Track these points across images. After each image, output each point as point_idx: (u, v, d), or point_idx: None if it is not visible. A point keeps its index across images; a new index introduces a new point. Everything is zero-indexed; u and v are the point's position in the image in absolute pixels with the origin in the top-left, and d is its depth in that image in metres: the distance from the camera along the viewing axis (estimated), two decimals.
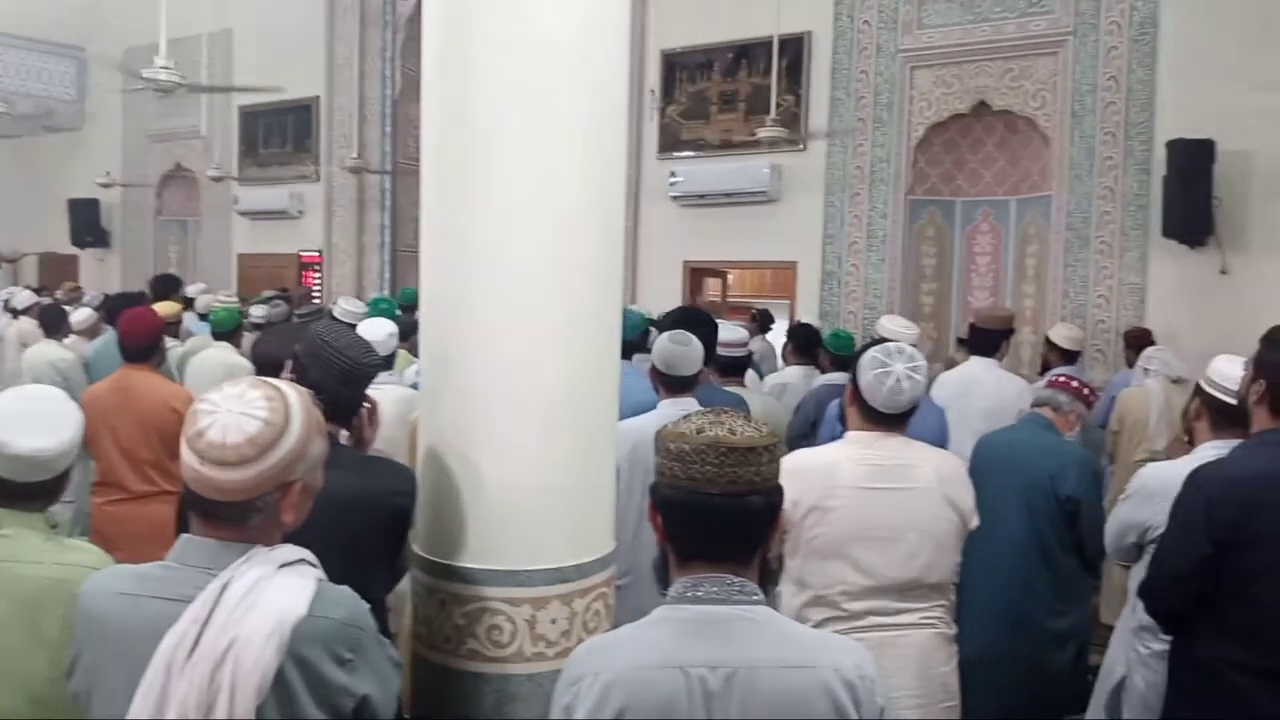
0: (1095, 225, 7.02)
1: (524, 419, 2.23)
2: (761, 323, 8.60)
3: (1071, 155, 7.09)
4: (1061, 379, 3.47)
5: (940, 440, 3.67)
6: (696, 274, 9.29)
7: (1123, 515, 2.79)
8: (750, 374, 4.92)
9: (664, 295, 8.60)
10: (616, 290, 2.44)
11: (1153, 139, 6.75)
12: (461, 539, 2.26)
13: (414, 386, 3.96)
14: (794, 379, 5.13)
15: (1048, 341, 5.79)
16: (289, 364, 2.24)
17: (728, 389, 3.94)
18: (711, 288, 10.06)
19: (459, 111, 2.26)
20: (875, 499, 2.33)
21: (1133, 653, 2.76)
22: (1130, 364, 6.07)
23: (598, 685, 1.38)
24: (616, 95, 2.40)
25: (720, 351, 4.11)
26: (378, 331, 3.90)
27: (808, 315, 7.79)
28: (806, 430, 4.24)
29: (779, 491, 1.47)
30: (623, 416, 2.86)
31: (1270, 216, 6.46)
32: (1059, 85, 7.13)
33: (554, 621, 2.26)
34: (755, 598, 1.43)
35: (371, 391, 2.32)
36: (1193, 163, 6.33)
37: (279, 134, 11.48)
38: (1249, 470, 2.26)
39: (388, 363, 4.00)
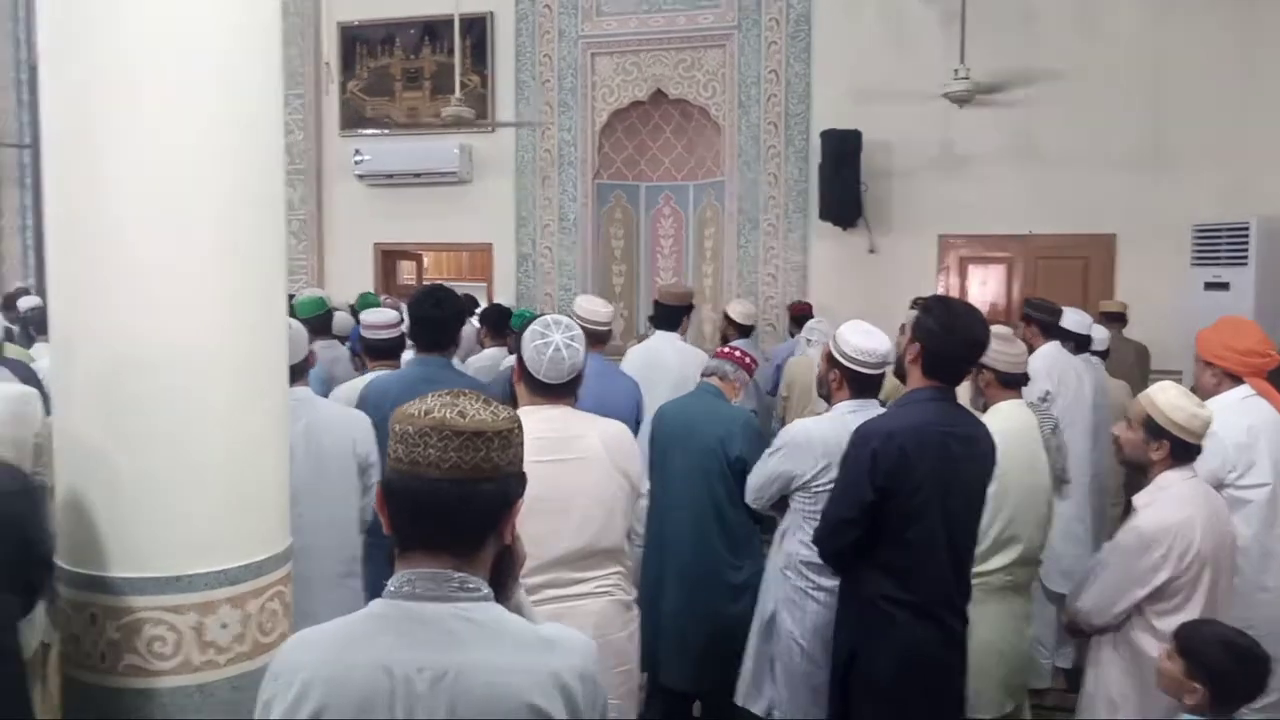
0: (763, 209, 7.58)
1: (172, 409, 2.07)
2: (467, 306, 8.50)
3: (740, 143, 7.60)
4: (725, 350, 3.72)
5: (634, 411, 3.82)
6: (389, 256, 9.03)
7: (770, 467, 3.04)
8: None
9: (354, 279, 8.31)
10: (277, 269, 2.32)
11: (809, 129, 7.38)
12: (109, 546, 2.06)
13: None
14: (489, 361, 5.14)
15: (725, 316, 6.19)
16: None
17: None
18: (406, 271, 9.83)
19: (79, 79, 2.06)
20: (545, 471, 2.36)
21: (783, 590, 3.01)
22: (793, 335, 6.65)
23: (297, 682, 1.30)
24: (269, 61, 2.27)
25: (365, 334, 4.02)
26: None
27: (504, 297, 7.82)
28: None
29: (517, 480, 1.41)
30: None
31: (909, 200, 7.28)
32: (727, 76, 7.61)
33: (224, 626, 2.12)
34: (478, 594, 1.35)
35: None
36: (843, 151, 6.99)
37: None
38: (905, 424, 2.56)
39: None
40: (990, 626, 3.12)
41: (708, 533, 3.33)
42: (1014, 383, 3.34)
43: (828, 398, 3.09)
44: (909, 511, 2.51)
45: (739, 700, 3.22)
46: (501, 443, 1.36)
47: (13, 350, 4.31)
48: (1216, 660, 2.17)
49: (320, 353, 4.71)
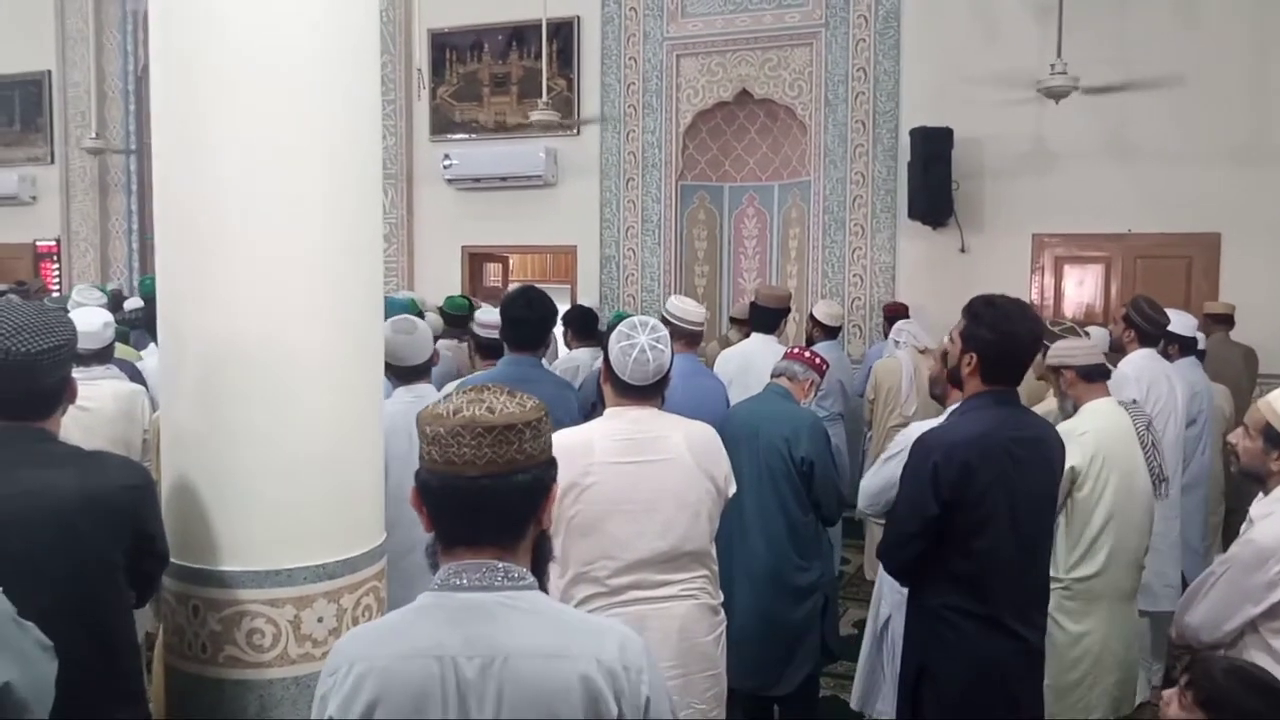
0: (849, 208, 7.47)
1: (275, 406, 2.12)
2: None
3: (826, 142, 7.50)
4: (795, 350, 3.67)
5: (723, 411, 3.79)
6: (476, 259, 9.16)
7: (885, 473, 2.94)
8: None
9: (443, 281, 8.45)
10: (374, 271, 2.37)
11: (898, 127, 7.25)
12: (212, 540, 2.12)
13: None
14: (583, 360, 5.16)
15: (811, 318, 6.11)
16: None
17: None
18: (493, 273, 9.96)
19: (188, 85, 2.12)
20: (630, 472, 2.38)
21: (896, 595, 2.97)
22: (887, 336, 6.53)
23: (352, 676, 1.33)
24: (368, 69, 2.32)
25: (478, 332, 4.12)
26: (91, 321, 3.61)
27: (588, 298, 7.87)
28: (588, 410, 4.28)
29: (550, 466, 1.42)
30: None
31: (1001, 198, 7.09)
32: (814, 75, 7.52)
33: (320, 620, 2.17)
34: (523, 582, 1.37)
35: (83, 385, 2.12)
36: (933, 149, 6.84)
37: (4, 112, 10.36)
38: (966, 434, 2.46)
39: (101, 355, 3.71)
40: (1090, 633, 3.06)
41: (775, 534, 3.30)
42: (1097, 375, 3.24)
43: (941, 398, 3.02)
44: (974, 522, 2.42)
45: (854, 704, 3.19)
46: (533, 433, 1.37)
47: (121, 350, 4.50)
48: (1251, 710, 1.74)
49: None
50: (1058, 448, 2.62)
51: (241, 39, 2.10)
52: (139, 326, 5.23)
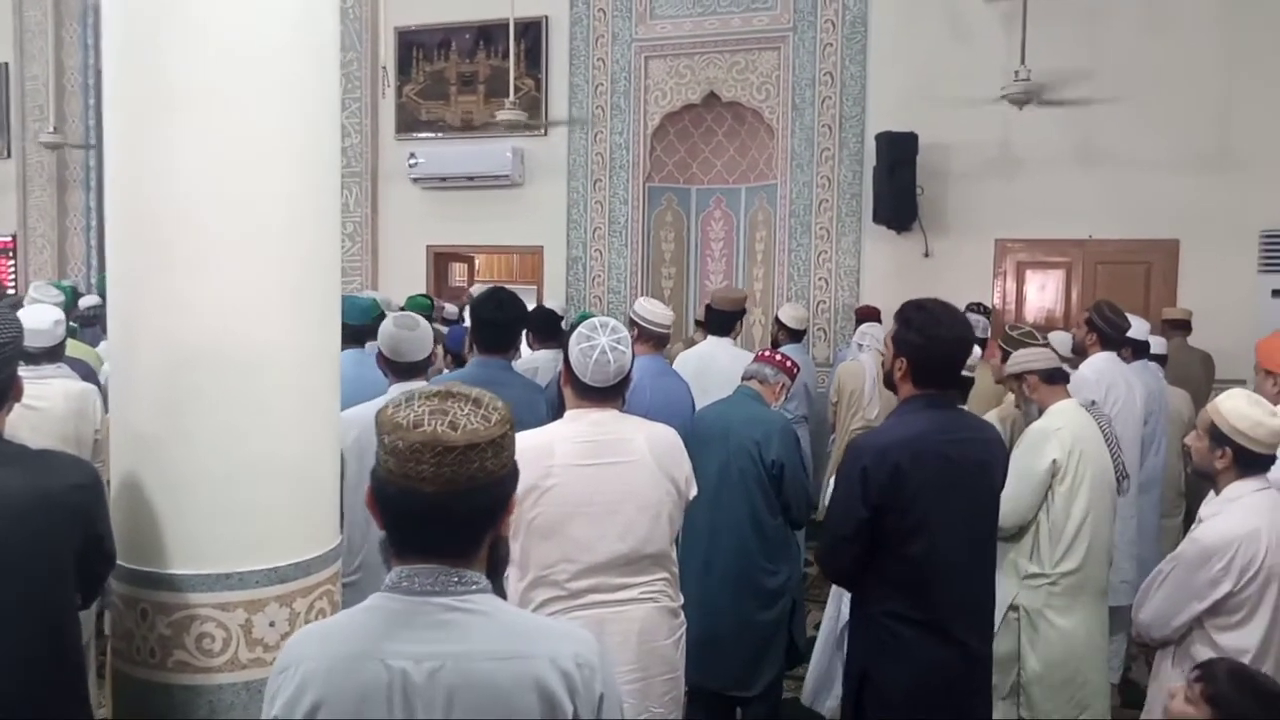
0: (815, 212, 7.51)
1: (229, 406, 2.08)
2: None
3: (793, 146, 7.53)
4: (766, 354, 3.68)
5: (691, 412, 3.78)
6: (441, 259, 9.10)
7: None
8: None
9: (408, 281, 8.38)
10: (334, 270, 2.33)
11: (864, 131, 7.29)
12: (162, 542, 2.08)
13: None
14: (544, 362, 5.13)
15: (777, 321, 6.12)
16: None
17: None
18: (458, 273, 9.90)
19: (141, 79, 2.08)
20: (590, 475, 2.36)
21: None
22: None
23: (297, 676, 1.31)
24: (329, 62, 2.28)
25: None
26: (41, 319, 3.54)
27: (554, 299, 7.84)
28: (556, 412, 4.26)
29: (511, 478, 1.38)
30: (352, 403, 2.75)
31: (965, 203, 7.16)
32: (781, 79, 7.54)
33: (272, 625, 2.13)
34: (475, 586, 1.35)
35: (32, 383, 2.07)
36: (898, 154, 6.88)
37: None
38: (897, 438, 2.44)
39: (52, 354, 3.64)
40: (1077, 628, 3.14)
41: (744, 537, 3.30)
42: (1058, 377, 3.32)
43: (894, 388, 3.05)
44: (908, 527, 2.38)
45: (805, 700, 3.19)
46: (495, 449, 1.33)
47: (78, 349, 4.42)
48: (1251, 713, 1.85)
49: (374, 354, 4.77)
50: (997, 449, 2.60)
51: (198, 31, 2.06)
52: (95, 324, 5.14)
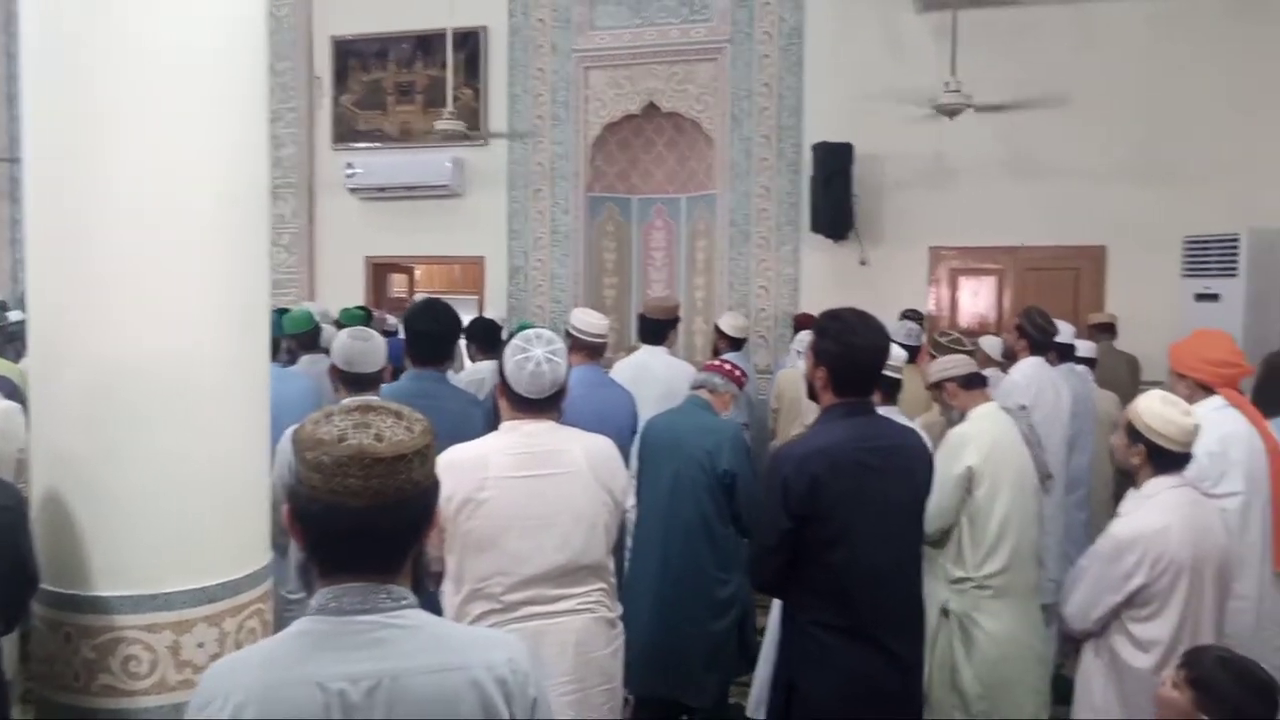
0: (754, 221, 7.58)
1: (154, 422, 2.05)
2: None
3: (732, 156, 7.59)
4: (715, 363, 3.71)
5: (631, 421, 3.80)
6: (380, 270, 9.01)
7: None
8: None
9: (345, 293, 8.28)
10: (263, 283, 2.31)
11: (801, 142, 7.39)
12: (86, 563, 2.04)
13: None
14: (488, 373, 5.11)
15: (717, 329, 6.16)
16: None
17: None
18: (398, 284, 9.81)
19: (62, 91, 2.05)
20: (526, 487, 2.36)
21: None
22: None
23: (229, 706, 1.27)
24: (258, 69, 2.26)
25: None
26: None
27: (496, 310, 7.81)
28: (493, 423, 4.23)
29: (434, 489, 1.39)
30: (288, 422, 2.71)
31: (900, 212, 7.28)
32: (720, 90, 7.61)
33: (201, 645, 2.10)
34: (404, 601, 1.35)
35: None
36: (835, 164, 6.99)
37: None
38: (815, 447, 2.46)
39: None
40: (1008, 630, 3.19)
41: (695, 546, 3.31)
42: (976, 382, 3.40)
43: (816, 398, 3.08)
44: (829, 535, 2.40)
45: (750, 710, 3.20)
46: (420, 459, 1.34)
47: (1, 365, 4.29)
48: (1232, 694, 1.99)
49: (307, 367, 4.71)
50: (919, 455, 2.63)
51: (119, 40, 2.03)
52: (18, 340, 5.00)
